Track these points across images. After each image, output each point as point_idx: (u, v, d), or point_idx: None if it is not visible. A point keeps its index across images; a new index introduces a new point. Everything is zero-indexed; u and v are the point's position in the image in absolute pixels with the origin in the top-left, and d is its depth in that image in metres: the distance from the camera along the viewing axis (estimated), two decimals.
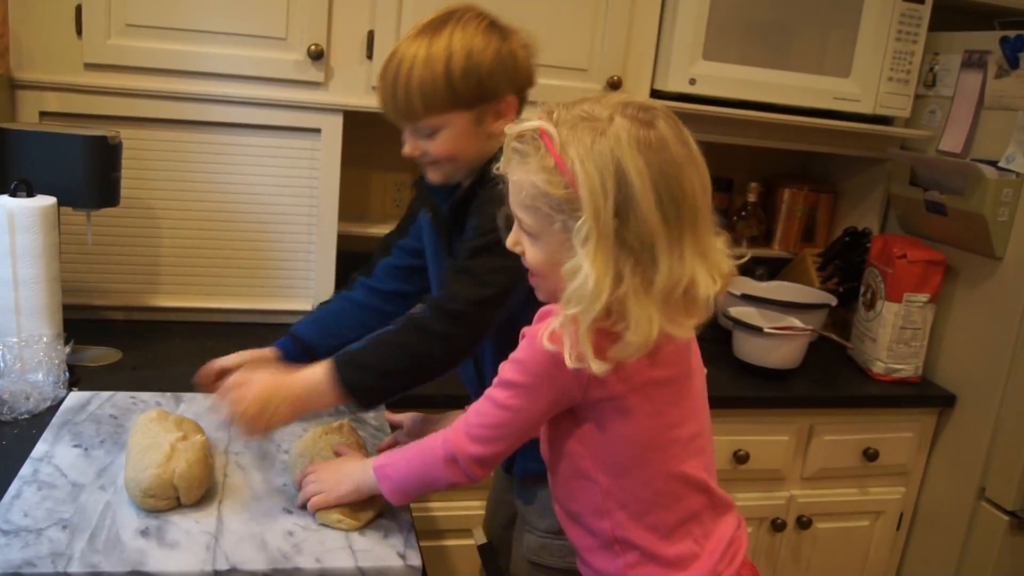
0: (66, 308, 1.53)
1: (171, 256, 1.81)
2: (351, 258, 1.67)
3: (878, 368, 2.05)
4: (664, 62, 1.93)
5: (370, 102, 1.70)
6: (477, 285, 1.16)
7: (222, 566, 1.01)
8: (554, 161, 0.91)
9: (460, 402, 1.27)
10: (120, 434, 1.28)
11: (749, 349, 1.97)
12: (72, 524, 1.04)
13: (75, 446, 1.24)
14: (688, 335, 0.93)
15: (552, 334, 0.93)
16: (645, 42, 1.92)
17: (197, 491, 1.11)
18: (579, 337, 0.90)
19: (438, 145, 1.21)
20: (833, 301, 2.12)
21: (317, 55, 1.74)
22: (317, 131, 1.80)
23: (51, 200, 1.46)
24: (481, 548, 1.46)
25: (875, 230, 2.27)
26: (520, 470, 1.33)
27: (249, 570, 1.01)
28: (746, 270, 1.93)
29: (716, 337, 2.08)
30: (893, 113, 2.07)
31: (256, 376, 1.17)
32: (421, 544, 1.13)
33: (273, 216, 1.84)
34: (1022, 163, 1.87)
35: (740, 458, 1.90)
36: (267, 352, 1.43)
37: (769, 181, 2.45)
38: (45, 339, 1.44)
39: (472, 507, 1.73)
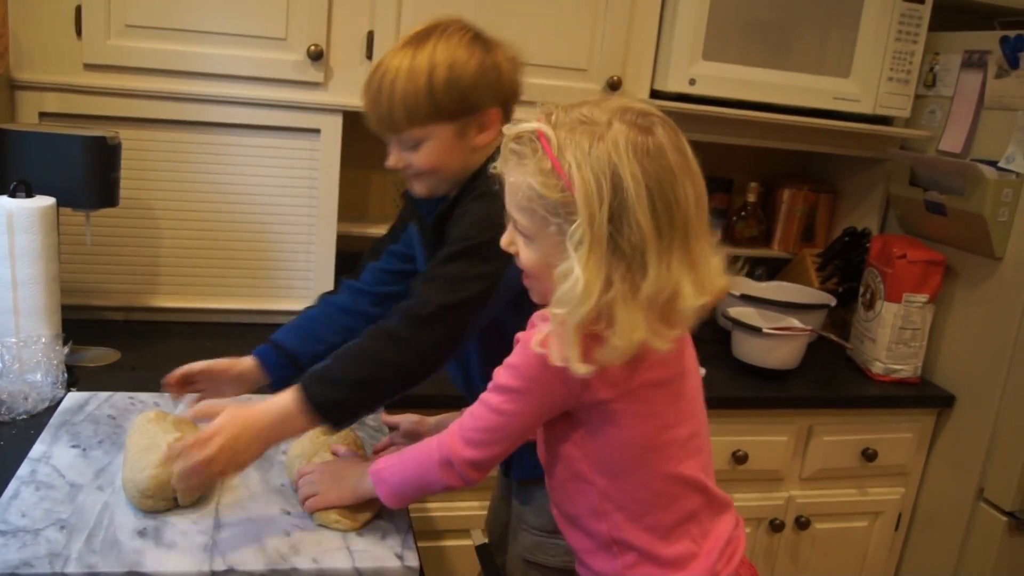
0: (65, 308, 1.54)
1: (170, 256, 1.81)
2: (351, 258, 1.66)
3: (877, 368, 2.05)
4: (664, 62, 1.93)
5: None
6: (447, 291, 1.14)
7: (219, 567, 1.01)
8: (551, 164, 0.91)
9: (458, 403, 1.27)
10: (118, 435, 1.28)
11: (748, 349, 1.97)
12: (70, 524, 1.05)
13: (73, 446, 1.24)
14: (667, 347, 0.93)
15: (544, 338, 0.93)
16: (645, 42, 1.92)
17: (195, 492, 1.11)
18: (566, 339, 0.90)
19: (421, 157, 1.20)
20: (832, 301, 2.12)
21: (317, 55, 1.74)
22: (317, 131, 1.80)
23: (50, 200, 1.46)
24: (479, 549, 1.45)
25: (875, 230, 2.26)
26: (518, 473, 1.33)
27: (246, 570, 1.01)
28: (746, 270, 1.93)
29: (715, 337, 2.08)
30: (893, 113, 2.07)
31: (217, 421, 1.08)
32: (419, 545, 1.13)
33: (273, 216, 1.84)
34: (1022, 163, 1.87)
35: (739, 458, 1.90)
36: (237, 361, 1.35)
37: (769, 181, 2.45)
38: (44, 339, 1.44)
39: (470, 508, 1.73)
